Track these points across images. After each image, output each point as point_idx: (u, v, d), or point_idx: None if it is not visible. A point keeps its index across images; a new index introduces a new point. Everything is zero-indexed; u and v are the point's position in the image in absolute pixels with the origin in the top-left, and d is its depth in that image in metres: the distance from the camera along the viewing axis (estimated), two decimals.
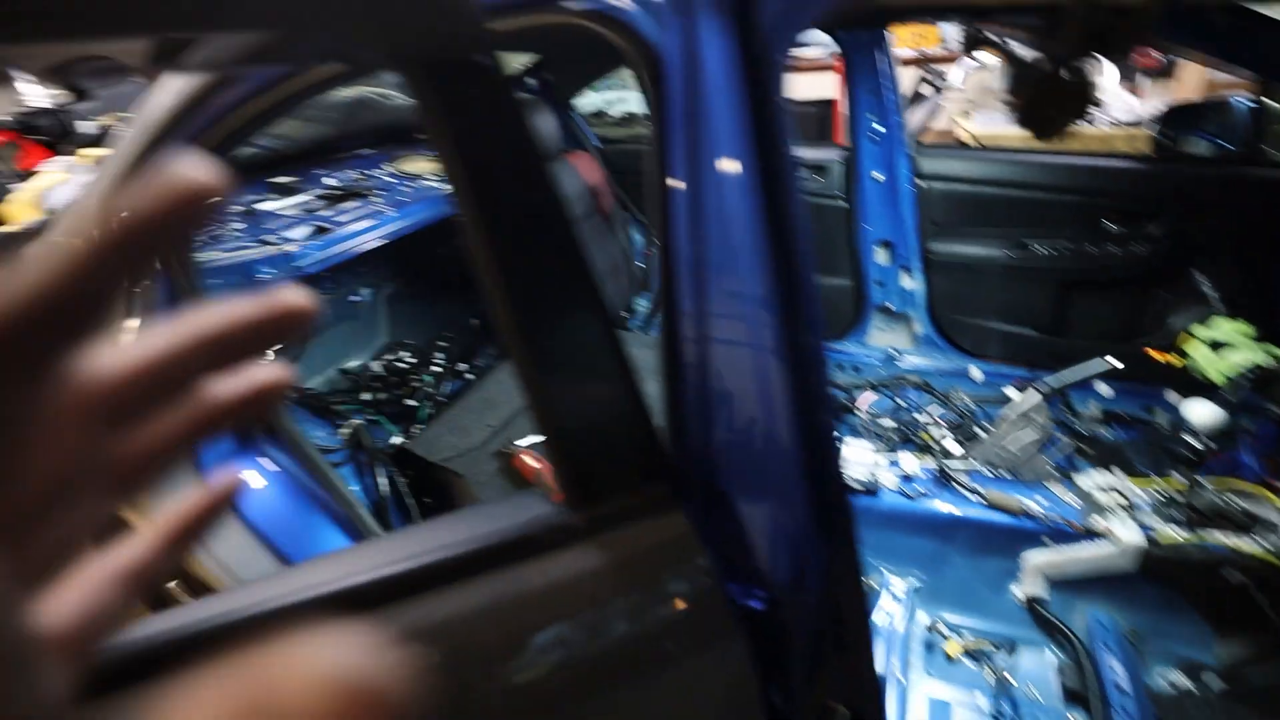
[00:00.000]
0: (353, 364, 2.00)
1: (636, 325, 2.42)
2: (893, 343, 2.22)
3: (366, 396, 1.80)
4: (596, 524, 0.50)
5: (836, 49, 2.13)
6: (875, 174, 2.04)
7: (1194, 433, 1.33)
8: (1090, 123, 2.87)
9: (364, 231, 1.71)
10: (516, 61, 2.23)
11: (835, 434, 0.59)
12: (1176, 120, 1.83)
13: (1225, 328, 1.41)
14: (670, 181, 0.51)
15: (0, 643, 0.15)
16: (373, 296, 2.15)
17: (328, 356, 1.95)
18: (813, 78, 3.77)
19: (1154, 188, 1.80)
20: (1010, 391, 1.80)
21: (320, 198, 1.89)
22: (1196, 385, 1.40)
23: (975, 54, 2.79)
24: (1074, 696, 1.21)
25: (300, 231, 1.65)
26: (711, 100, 0.48)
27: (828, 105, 3.60)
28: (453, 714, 0.43)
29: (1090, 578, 1.30)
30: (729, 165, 0.49)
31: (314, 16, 0.41)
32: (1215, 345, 1.38)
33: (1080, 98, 0.51)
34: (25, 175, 2.64)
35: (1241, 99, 1.73)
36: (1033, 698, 1.23)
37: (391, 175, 2.11)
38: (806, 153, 2.20)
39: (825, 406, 0.57)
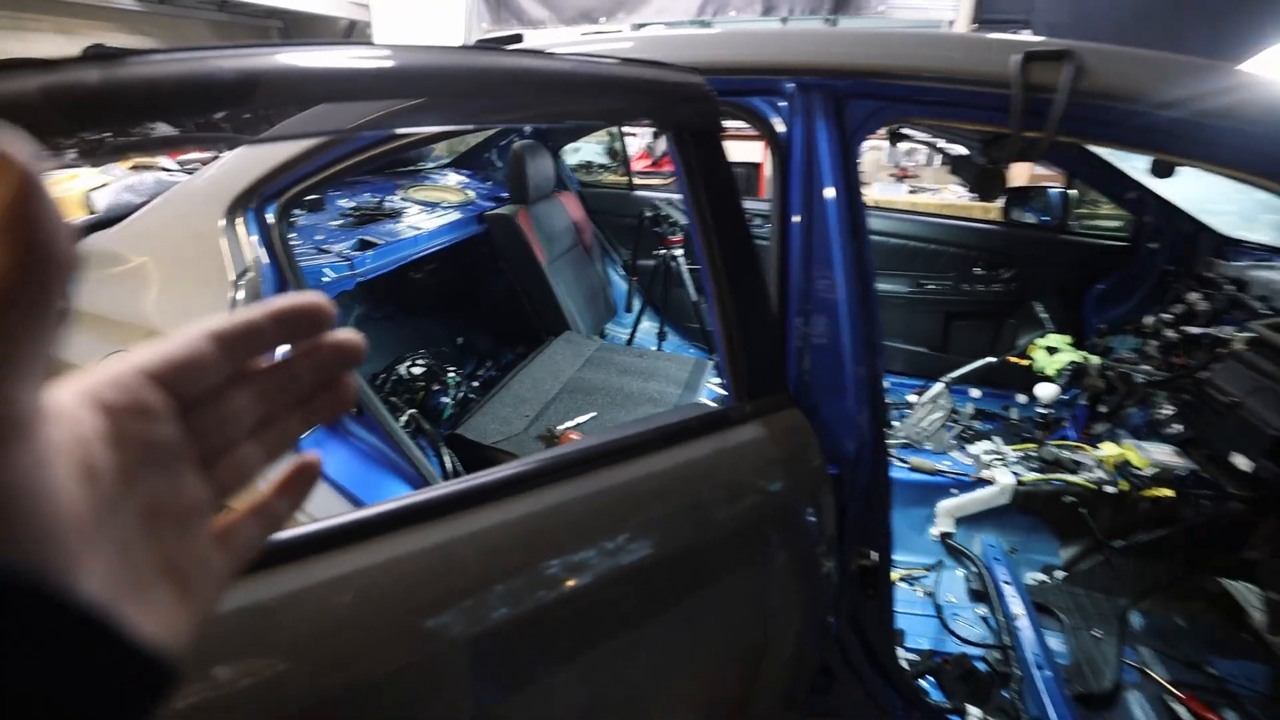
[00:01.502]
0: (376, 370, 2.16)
1: (619, 341, 2.76)
2: None
3: (394, 399, 1.99)
4: (758, 410, 0.86)
5: None
6: None
7: (1043, 406, 1.91)
8: (956, 195, 3.70)
9: (407, 245, 1.95)
10: None
11: (880, 370, 0.97)
12: (1015, 199, 2.54)
13: (1056, 340, 2.03)
14: (794, 218, 0.91)
15: (198, 525, 0.24)
16: (387, 311, 2.34)
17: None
18: (742, 144, 4.45)
19: (1005, 245, 2.48)
20: (910, 397, 2.35)
21: (350, 214, 2.09)
22: (1040, 377, 2.00)
23: (897, 142, 3.54)
24: (978, 595, 1.68)
25: (349, 244, 1.86)
26: (824, 165, 0.88)
27: (755, 167, 4.26)
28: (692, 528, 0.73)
29: (982, 513, 1.80)
30: (831, 210, 0.89)
31: (631, 107, 0.77)
32: (1050, 350, 1.99)
33: (1000, 180, 0.97)
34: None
35: (1055, 188, 2.46)
36: (950, 601, 1.69)
37: (404, 200, 2.35)
38: (757, 205, 2.70)
39: (877, 354, 0.95)
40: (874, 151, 3.89)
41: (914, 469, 1.88)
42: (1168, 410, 1.85)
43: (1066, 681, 1.41)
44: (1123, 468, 1.73)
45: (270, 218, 1.15)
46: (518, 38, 1.07)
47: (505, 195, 2.51)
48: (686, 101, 0.78)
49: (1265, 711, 1.36)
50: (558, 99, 0.75)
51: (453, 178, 2.74)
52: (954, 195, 3.63)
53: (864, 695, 1.14)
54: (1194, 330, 1.95)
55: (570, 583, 0.63)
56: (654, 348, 2.66)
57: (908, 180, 3.70)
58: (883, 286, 2.57)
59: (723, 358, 0.85)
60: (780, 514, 0.82)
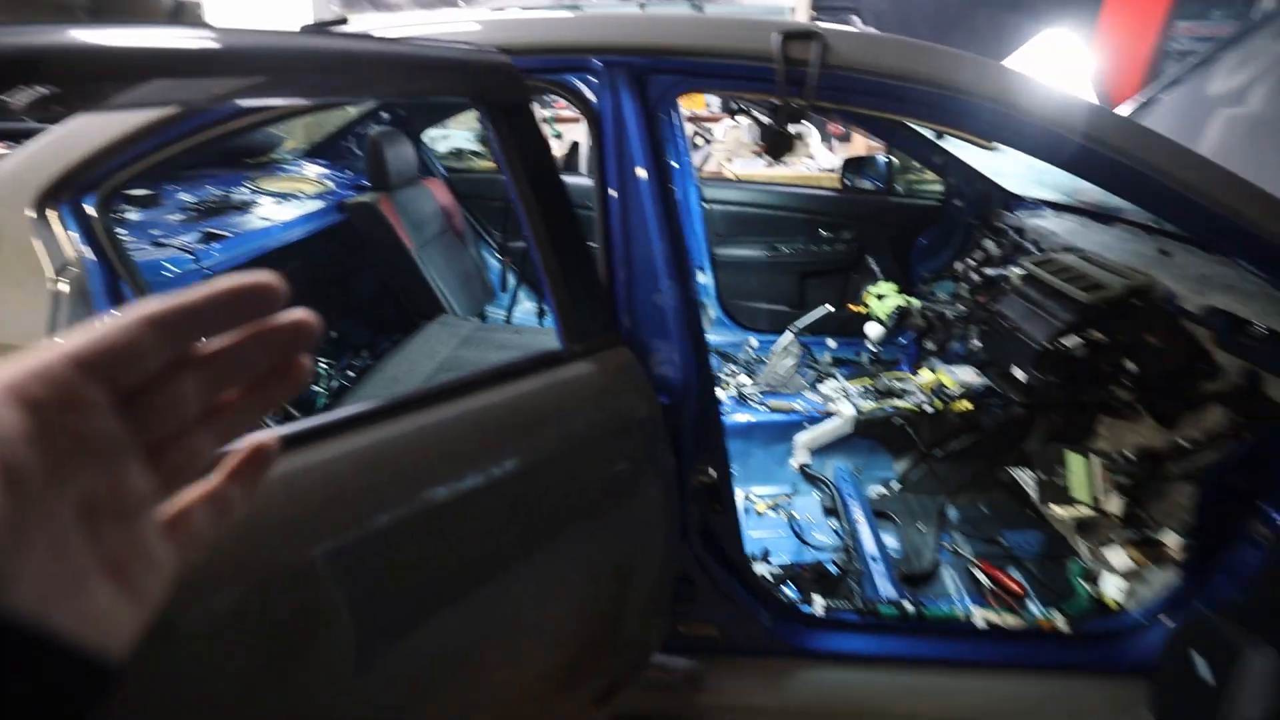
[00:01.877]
0: None
1: (498, 321, 2.80)
2: None
3: None
4: (588, 349, 0.97)
5: None
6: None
7: (873, 344, 2.21)
8: (808, 168, 4.04)
9: (258, 237, 1.89)
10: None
11: (699, 315, 1.12)
12: (850, 168, 2.84)
13: (884, 287, 2.34)
14: (609, 182, 1.02)
15: (142, 518, 0.24)
16: None
17: None
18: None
19: (844, 209, 2.78)
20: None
21: (192, 209, 1.99)
22: (872, 319, 2.30)
23: (735, 116, 3.79)
24: (830, 512, 1.93)
25: (190, 237, 1.78)
26: (632, 132, 1.00)
27: None
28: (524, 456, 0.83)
29: (832, 443, 2.06)
30: (641, 173, 1.01)
31: (442, 85, 0.84)
32: (879, 297, 2.29)
33: (786, 141, 1.14)
34: None
35: (882, 156, 2.79)
36: (808, 520, 1.93)
37: (255, 191, 2.25)
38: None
39: (694, 299, 1.09)
40: (734, 130, 4.14)
41: (773, 410, 2.10)
42: (975, 340, 2.20)
43: (896, 568, 1.68)
44: (937, 390, 2.04)
45: (90, 209, 1.10)
46: (342, 21, 1.11)
47: (368, 184, 2.47)
48: (494, 78, 0.87)
49: (1038, 565, 1.70)
50: (375, 78, 0.81)
51: (310, 168, 2.64)
52: (804, 168, 3.97)
53: (723, 598, 1.31)
54: (989, 272, 2.31)
55: (415, 506, 0.71)
56: (534, 325, 2.73)
57: (766, 155, 4.00)
58: (742, 252, 2.80)
59: (550, 305, 0.95)
60: (615, 439, 0.95)
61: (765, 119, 1.46)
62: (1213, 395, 1.52)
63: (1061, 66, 3.42)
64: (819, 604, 1.46)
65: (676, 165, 2.70)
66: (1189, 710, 1.03)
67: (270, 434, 0.29)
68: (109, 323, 0.22)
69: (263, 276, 0.24)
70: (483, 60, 0.86)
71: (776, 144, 1.11)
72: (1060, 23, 3.63)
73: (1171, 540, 1.50)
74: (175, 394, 0.24)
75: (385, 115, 2.60)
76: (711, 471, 1.19)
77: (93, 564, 0.22)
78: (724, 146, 4.20)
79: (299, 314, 0.26)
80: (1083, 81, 3.40)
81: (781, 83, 0.97)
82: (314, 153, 2.83)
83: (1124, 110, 2.15)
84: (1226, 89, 1.87)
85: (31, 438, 0.20)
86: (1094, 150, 0.97)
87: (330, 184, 2.45)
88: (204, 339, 0.25)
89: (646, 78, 1.02)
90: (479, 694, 0.91)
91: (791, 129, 1.17)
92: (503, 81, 0.88)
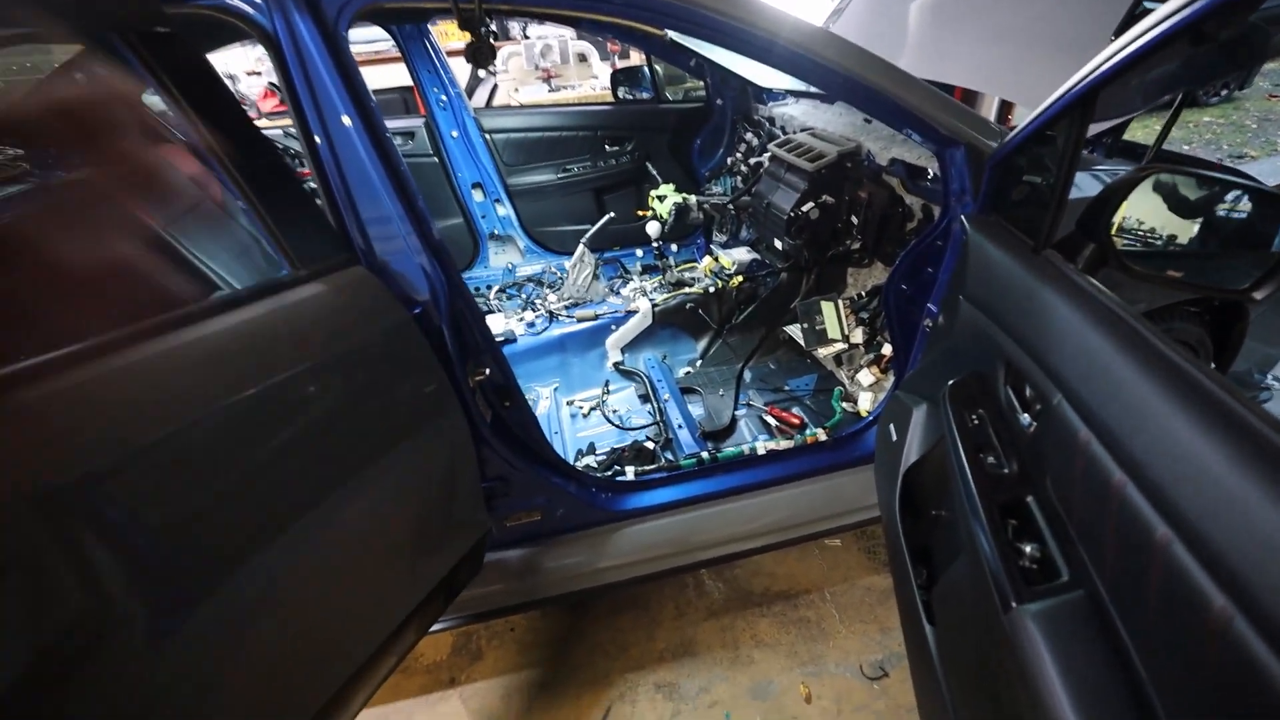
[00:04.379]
0: None
1: None
2: (509, 260, 2.96)
3: None
4: (316, 273, 0.99)
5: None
6: (453, 133, 2.69)
7: (654, 241, 2.40)
8: (593, 88, 4.09)
9: None
10: None
11: (429, 227, 1.16)
12: (619, 80, 2.93)
13: (664, 189, 2.50)
14: (307, 108, 1.01)
15: None
16: None
17: None
18: (392, 68, 4.25)
19: (622, 121, 2.88)
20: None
21: None
22: (654, 220, 2.48)
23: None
24: (644, 398, 2.13)
25: None
26: (318, 69, 0.99)
27: (409, 90, 4.13)
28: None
29: (638, 337, 2.24)
30: (346, 120, 1.01)
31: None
32: (660, 199, 2.46)
33: (486, 50, 1.18)
34: None
35: (645, 67, 2.91)
36: (627, 410, 2.12)
37: None
38: (396, 123, 2.71)
39: (422, 215, 1.13)
40: (516, 58, 4.04)
41: (580, 320, 2.23)
42: (747, 224, 2.45)
43: (700, 429, 1.92)
44: (718, 272, 2.28)
45: None
46: None
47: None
48: (113, 3, 0.81)
49: (814, 399, 2.03)
50: None
51: None
52: (589, 88, 4.01)
53: (538, 485, 1.44)
54: (752, 160, 2.57)
55: (128, 450, 0.71)
56: None
57: (553, 80, 3.98)
58: (536, 178, 2.82)
59: (265, 237, 0.95)
60: (364, 353, 0.99)
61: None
62: (912, 232, 1.87)
63: None
64: (630, 472, 1.64)
65: (445, 98, 2.63)
66: (888, 466, 1.34)
67: None
68: None
69: None
70: None
71: (475, 54, 1.15)
72: None
73: (889, 350, 1.86)
74: None
75: None
76: (486, 370, 1.28)
77: None
78: (509, 77, 4.10)
79: None
80: None
81: None
82: None
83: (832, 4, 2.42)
84: None
85: None
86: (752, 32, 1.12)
87: None
88: None
89: None
90: (295, 629, 0.95)
91: (493, 39, 1.21)
92: (129, 7, 0.82)
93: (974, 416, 1.00)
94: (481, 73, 4.01)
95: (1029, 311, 0.92)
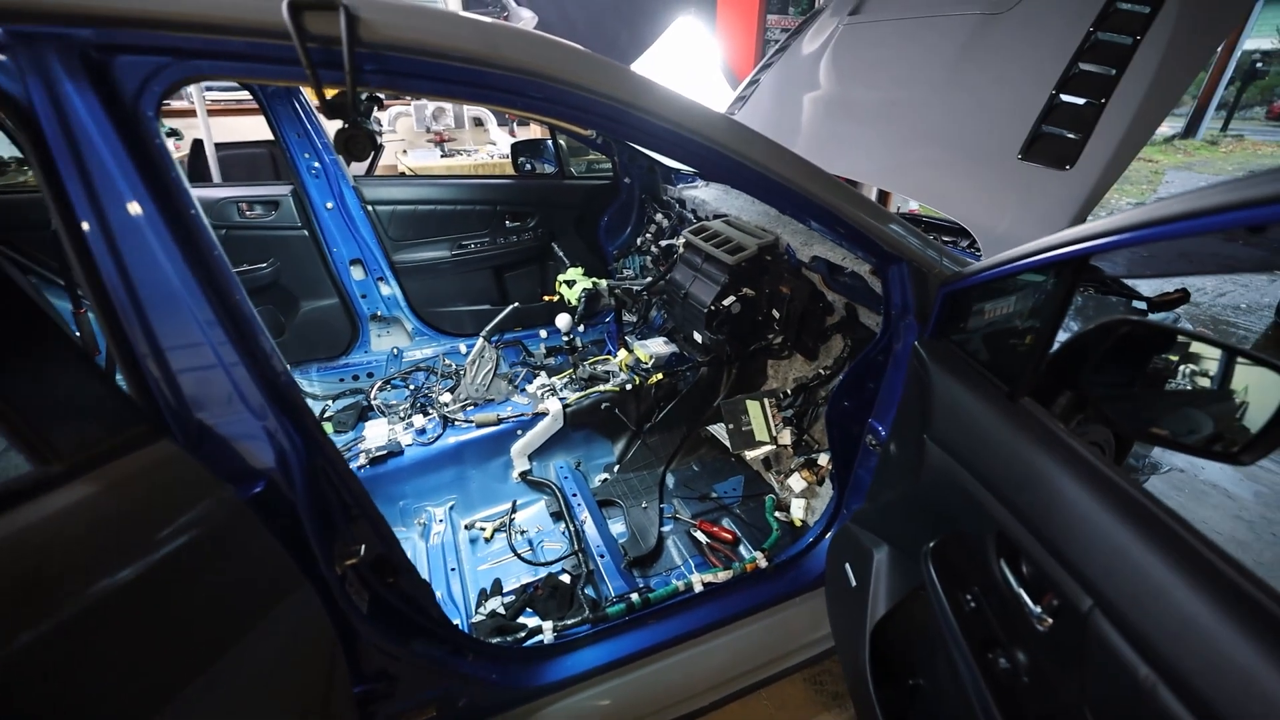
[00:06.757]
0: None
1: None
2: (394, 343, 2.60)
3: None
4: (84, 465, 0.66)
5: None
6: (327, 204, 2.35)
7: (564, 335, 2.18)
8: (489, 155, 3.89)
9: None
10: None
11: (279, 369, 0.87)
12: (520, 151, 2.76)
13: (572, 273, 2.32)
14: (82, 218, 0.70)
15: None
16: None
17: None
18: (253, 120, 3.77)
19: (524, 195, 2.69)
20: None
21: None
22: (564, 308, 2.27)
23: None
24: (557, 515, 1.86)
25: None
26: (97, 143, 0.69)
27: (272, 144, 3.68)
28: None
29: (547, 442, 1.98)
30: (133, 207, 0.71)
31: None
32: (569, 284, 2.26)
33: (363, 139, 0.94)
34: None
35: (549, 140, 2.76)
36: (538, 531, 1.83)
37: None
38: (256, 190, 2.32)
39: (268, 354, 0.84)
40: (405, 119, 3.77)
41: (480, 425, 1.94)
42: (661, 311, 2.31)
43: (623, 555, 1.68)
44: (634, 366, 2.10)
45: None
46: None
47: None
48: None
49: (744, 508, 1.86)
50: None
51: None
52: (486, 155, 3.81)
53: (432, 673, 1.12)
54: (663, 243, 2.46)
55: None
56: None
57: (445, 144, 3.73)
58: (426, 254, 2.53)
59: None
60: (163, 569, 0.67)
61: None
62: (833, 327, 1.81)
63: (695, 51, 3.81)
64: (549, 630, 1.36)
65: (319, 164, 2.30)
66: (849, 618, 1.18)
67: None
68: None
69: None
70: None
71: (350, 144, 0.90)
72: (688, 11, 4.05)
73: (824, 460, 1.75)
74: None
75: None
76: (361, 548, 0.97)
77: None
78: (397, 137, 3.81)
79: None
80: (713, 63, 3.85)
81: (308, 65, 0.76)
82: None
83: (734, 92, 2.42)
84: (804, 71, 2.21)
85: None
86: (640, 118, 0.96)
87: None
88: None
89: (108, 60, 0.72)
90: None
91: (368, 125, 0.96)
92: None
93: (969, 597, 0.86)
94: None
95: (1023, 482, 0.80)
